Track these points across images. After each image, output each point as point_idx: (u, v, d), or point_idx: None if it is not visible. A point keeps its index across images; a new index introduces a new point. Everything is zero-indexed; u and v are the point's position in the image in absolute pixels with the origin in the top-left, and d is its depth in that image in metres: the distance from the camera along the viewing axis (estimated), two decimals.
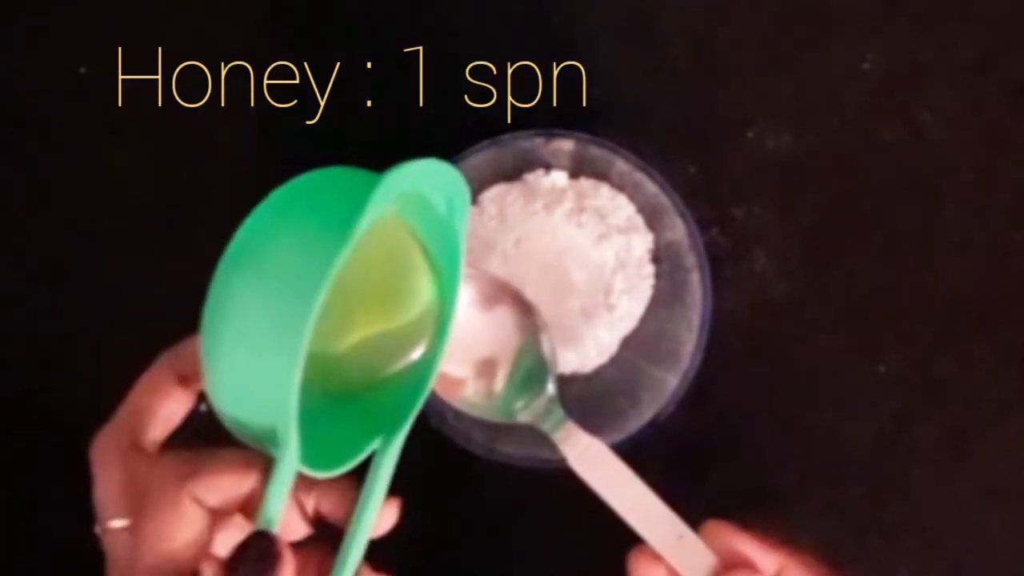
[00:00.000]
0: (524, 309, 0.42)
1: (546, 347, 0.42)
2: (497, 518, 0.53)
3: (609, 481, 0.39)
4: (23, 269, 0.54)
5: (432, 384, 0.38)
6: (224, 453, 0.35)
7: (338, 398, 0.37)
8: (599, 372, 0.50)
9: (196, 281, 0.52)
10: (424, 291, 0.38)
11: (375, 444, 0.37)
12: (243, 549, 0.33)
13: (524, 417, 0.41)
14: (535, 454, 0.47)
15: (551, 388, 0.41)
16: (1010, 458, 0.52)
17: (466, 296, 0.40)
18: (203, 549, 0.34)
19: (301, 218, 0.33)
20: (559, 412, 0.41)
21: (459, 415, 0.47)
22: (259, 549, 0.33)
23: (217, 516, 0.35)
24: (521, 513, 0.53)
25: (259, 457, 0.34)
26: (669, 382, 0.48)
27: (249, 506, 0.35)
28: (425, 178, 0.36)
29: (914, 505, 0.52)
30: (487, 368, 0.42)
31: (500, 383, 0.42)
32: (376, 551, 0.36)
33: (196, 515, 0.34)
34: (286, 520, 0.35)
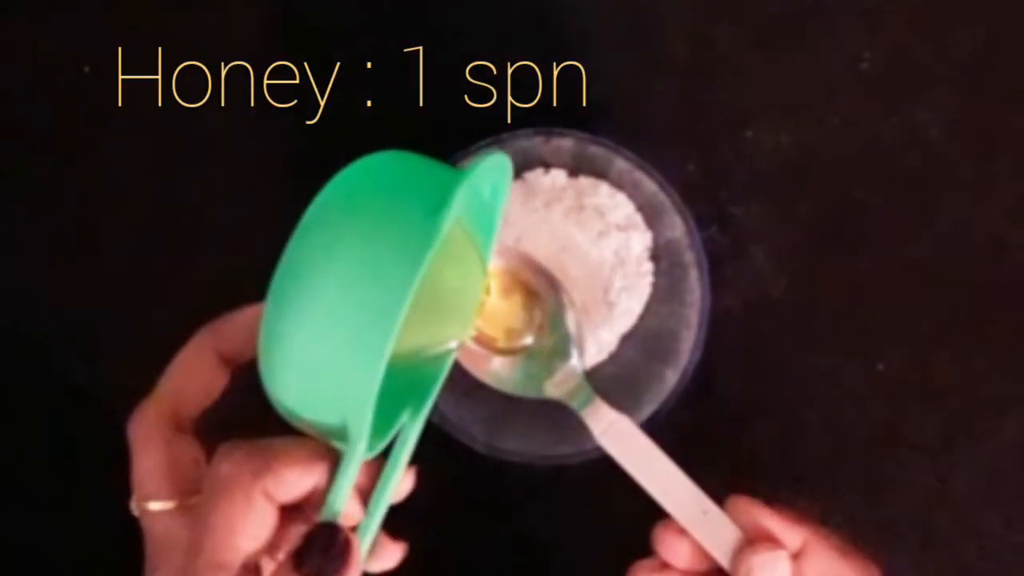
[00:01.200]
0: (550, 284, 0.42)
1: (571, 323, 0.42)
2: (496, 515, 0.53)
3: (635, 456, 0.39)
4: (24, 269, 0.54)
5: (456, 355, 0.38)
6: (287, 444, 0.34)
7: None
8: (598, 369, 0.50)
9: (196, 280, 0.53)
10: (468, 276, 0.39)
11: (403, 417, 0.37)
12: (310, 541, 0.33)
13: (551, 392, 0.41)
14: (535, 450, 0.47)
15: (578, 364, 0.41)
16: (1009, 457, 0.52)
17: (492, 269, 0.40)
18: (268, 543, 0.34)
19: (374, 209, 0.32)
20: (586, 387, 0.41)
21: (459, 412, 0.47)
22: (326, 541, 0.33)
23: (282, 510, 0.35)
24: (521, 510, 0.53)
25: (323, 449, 0.34)
26: (668, 380, 0.48)
27: (312, 497, 0.35)
28: (492, 171, 0.36)
29: (913, 504, 0.52)
30: None
31: (524, 356, 0.41)
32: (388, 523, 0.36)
33: (267, 509, 0.34)
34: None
